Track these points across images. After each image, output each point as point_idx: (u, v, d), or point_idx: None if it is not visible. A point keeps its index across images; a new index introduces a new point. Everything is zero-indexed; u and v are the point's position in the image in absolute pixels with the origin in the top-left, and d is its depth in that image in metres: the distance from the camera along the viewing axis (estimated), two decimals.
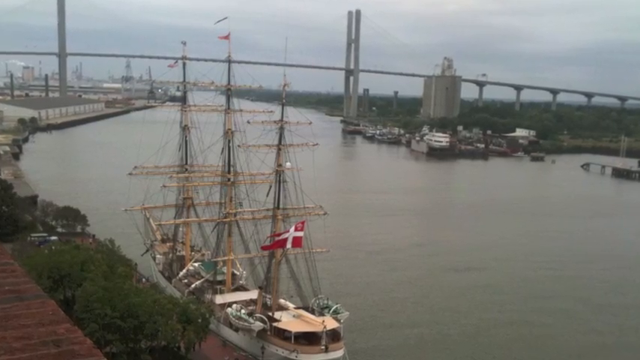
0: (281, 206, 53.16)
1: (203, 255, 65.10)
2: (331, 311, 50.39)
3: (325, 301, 51.75)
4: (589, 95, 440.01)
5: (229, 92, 57.94)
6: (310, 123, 55.83)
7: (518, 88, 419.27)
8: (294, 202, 53.04)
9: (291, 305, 53.28)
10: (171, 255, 66.87)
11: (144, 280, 63.72)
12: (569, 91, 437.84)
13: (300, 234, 48.82)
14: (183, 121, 64.81)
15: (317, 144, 54.91)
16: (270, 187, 53.36)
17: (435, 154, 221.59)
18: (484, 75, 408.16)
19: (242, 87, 61.92)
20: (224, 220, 57.46)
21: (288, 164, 52.35)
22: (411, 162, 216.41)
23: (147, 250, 70.20)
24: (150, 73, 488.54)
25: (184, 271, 62.64)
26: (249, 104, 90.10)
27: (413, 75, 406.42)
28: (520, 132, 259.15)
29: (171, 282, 62.33)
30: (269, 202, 53.96)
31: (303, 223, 49.49)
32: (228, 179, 57.54)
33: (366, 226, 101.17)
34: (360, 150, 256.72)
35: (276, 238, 50.71)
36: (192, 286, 58.84)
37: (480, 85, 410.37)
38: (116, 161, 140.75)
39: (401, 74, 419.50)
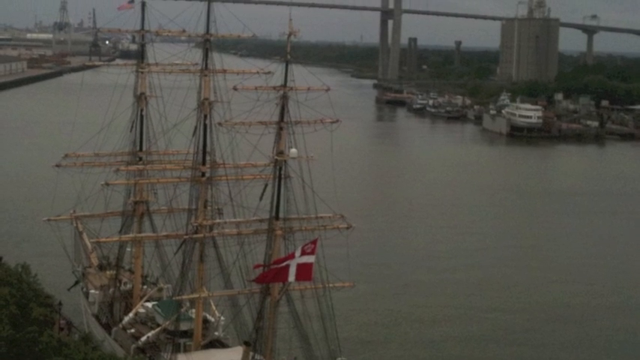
0: (282, 215, 52.83)
1: (161, 290, 65.48)
2: None
3: None
4: None
5: (208, 44, 58.09)
6: (328, 89, 55.62)
7: None
8: (302, 210, 52.91)
9: None
10: (112, 290, 67.04)
11: (72, 328, 64.07)
12: None
13: (309, 260, 48.81)
14: (138, 88, 65.19)
15: (338, 120, 54.89)
16: (266, 185, 53.14)
17: (521, 136, 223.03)
18: (594, 17, 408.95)
19: (227, 36, 62.46)
20: (194, 236, 57.26)
21: (293, 151, 52.33)
22: (483, 147, 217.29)
23: (76, 282, 70.58)
24: (94, 19, 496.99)
25: (131, 315, 62.70)
26: (236, 62, 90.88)
27: (484, 17, 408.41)
28: None
29: (111, 332, 62.53)
30: (263, 210, 53.69)
31: (315, 242, 49.27)
32: (203, 174, 57.71)
33: (413, 246, 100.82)
34: (403, 129, 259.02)
35: (274, 266, 50.49)
36: (143, 338, 58.60)
37: (589, 31, 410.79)
38: (39, 147, 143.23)
39: (466, 16, 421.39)
